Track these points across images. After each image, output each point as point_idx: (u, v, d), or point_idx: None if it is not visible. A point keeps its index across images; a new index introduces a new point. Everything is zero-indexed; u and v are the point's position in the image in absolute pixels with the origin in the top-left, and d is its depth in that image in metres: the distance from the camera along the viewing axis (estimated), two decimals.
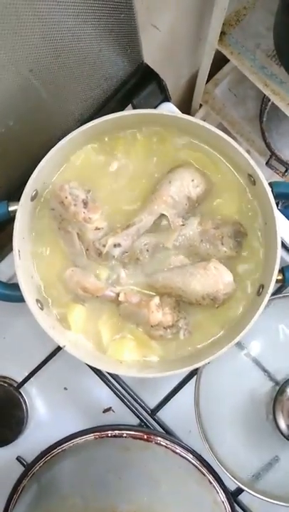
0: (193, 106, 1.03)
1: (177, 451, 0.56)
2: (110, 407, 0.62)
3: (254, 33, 0.80)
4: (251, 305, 0.53)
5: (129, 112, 0.52)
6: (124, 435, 0.56)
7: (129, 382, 0.60)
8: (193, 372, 0.56)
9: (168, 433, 0.59)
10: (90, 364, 0.51)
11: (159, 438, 0.56)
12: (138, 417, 0.60)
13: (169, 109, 0.62)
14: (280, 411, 0.54)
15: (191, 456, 0.56)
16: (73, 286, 0.53)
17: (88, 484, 0.51)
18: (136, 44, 0.55)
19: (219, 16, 0.72)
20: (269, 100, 0.93)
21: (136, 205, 0.54)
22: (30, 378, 0.61)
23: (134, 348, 0.54)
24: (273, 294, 0.55)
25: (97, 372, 0.58)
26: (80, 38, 0.46)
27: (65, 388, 0.63)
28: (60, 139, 0.50)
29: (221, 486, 0.55)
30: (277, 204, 0.51)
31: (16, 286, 0.51)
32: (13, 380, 0.63)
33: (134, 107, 0.60)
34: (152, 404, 0.60)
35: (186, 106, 1.03)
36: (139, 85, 0.60)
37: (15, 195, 0.51)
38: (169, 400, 0.59)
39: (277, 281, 0.51)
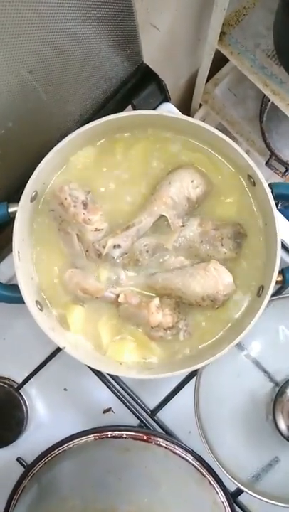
0: (193, 106, 1.03)
1: (177, 451, 0.56)
2: (110, 408, 0.62)
3: (254, 33, 0.80)
4: (251, 306, 0.53)
5: (128, 112, 0.52)
6: (124, 436, 0.56)
7: (129, 383, 0.60)
8: (193, 373, 0.56)
9: (168, 434, 0.59)
10: (90, 365, 0.51)
11: (158, 439, 0.56)
12: (138, 417, 0.60)
13: (168, 109, 0.62)
14: (280, 412, 0.54)
15: (191, 456, 0.56)
16: (73, 288, 0.53)
17: (88, 485, 0.51)
18: (135, 44, 0.55)
19: (219, 16, 0.72)
20: (269, 100, 0.93)
21: (136, 206, 0.54)
22: (30, 379, 0.61)
23: (134, 349, 0.54)
24: (273, 294, 0.55)
25: (97, 373, 0.58)
26: (79, 39, 0.46)
27: (65, 389, 0.63)
28: (59, 140, 0.50)
29: (220, 487, 0.55)
30: (277, 204, 0.51)
31: (15, 288, 0.51)
32: (13, 380, 0.63)
33: (134, 108, 0.60)
34: (152, 404, 0.60)
35: (185, 106, 1.03)
36: (138, 86, 0.60)
37: (14, 197, 0.51)
38: (169, 400, 0.59)
39: (277, 282, 0.51)
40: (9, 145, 0.50)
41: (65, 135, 0.50)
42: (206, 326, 0.54)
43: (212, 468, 0.56)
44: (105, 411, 0.62)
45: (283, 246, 0.60)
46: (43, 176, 0.52)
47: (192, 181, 0.52)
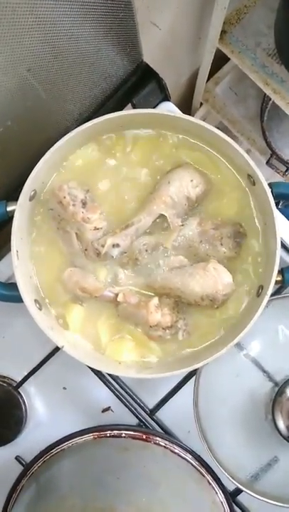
0: (193, 104, 1.02)
1: (176, 451, 0.56)
2: (109, 407, 0.62)
3: (255, 31, 0.80)
4: (250, 306, 0.53)
5: (128, 111, 0.52)
6: (123, 435, 0.56)
7: (128, 382, 0.60)
8: (193, 373, 0.56)
9: (167, 433, 0.59)
10: (89, 364, 0.51)
11: (157, 438, 0.56)
12: (137, 417, 0.60)
13: (168, 108, 0.62)
14: (279, 412, 0.54)
15: (190, 456, 0.56)
16: (72, 287, 0.53)
17: (87, 484, 0.51)
18: (135, 43, 0.55)
19: (220, 14, 0.71)
20: (270, 99, 0.93)
21: (135, 205, 0.54)
22: (29, 378, 0.61)
23: (133, 349, 0.54)
24: (273, 294, 0.55)
25: (96, 372, 0.58)
26: (78, 37, 0.46)
27: (64, 388, 0.63)
28: (58, 139, 0.50)
29: (219, 487, 0.55)
30: (277, 204, 0.51)
31: (14, 286, 0.51)
32: (12, 379, 0.63)
33: (134, 107, 0.59)
34: (151, 404, 0.60)
35: (186, 104, 1.03)
36: (138, 84, 0.59)
37: (13, 195, 0.51)
38: (168, 400, 0.59)
39: (277, 282, 0.51)
40: (8, 143, 0.49)
41: (64, 134, 0.50)
42: (205, 325, 0.54)
43: (211, 468, 0.56)
44: (104, 410, 0.62)
45: (283, 245, 0.60)
46: (41, 175, 0.52)
47: (192, 180, 0.52)
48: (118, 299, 0.52)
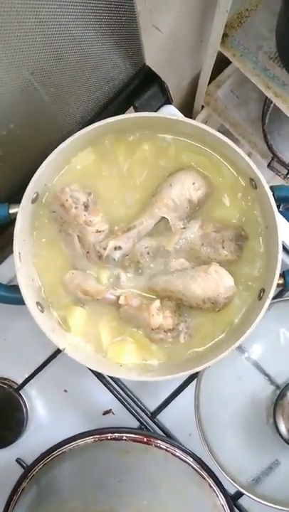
0: (195, 108, 1.03)
1: (177, 454, 0.56)
2: (110, 410, 0.62)
3: (256, 35, 0.80)
4: (252, 309, 0.53)
5: (130, 115, 0.52)
6: (124, 438, 0.56)
7: (130, 385, 0.60)
8: (194, 376, 0.56)
9: (168, 436, 0.59)
10: (90, 367, 0.51)
11: (159, 441, 0.56)
12: (138, 419, 0.60)
13: (170, 111, 0.62)
14: (281, 415, 0.54)
15: (191, 459, 0.56)
16: (73, 289, 0.53)
17: (88, 487, 0.51)
18: (138, 46, 0.55)
19: (221, 18, 0.72)
20: (271, 102, 0.93)
21: (137, 208, 0.54)
22: (30, 380, 0.61)
23: (135, 351, 0.54)
24: (274, 297, 0.55)
25: (98, 374, 0.58)
26: (81, 41, 0.46)
27: (65, 390, 0.63)
28: (61, 142, 0.50)
29: (220, 490, 0.55)
30: (278, 207, 0.51)
31: (16, 289, 0.51)
32: (13, 381, 0.63)
33: (136, 110, 0.60)
34: (152, 406, 0.60)
35: (188, 108, 1.03)
36: (140, 88, 0.60)
37: (16, 198, 0.51)
38: (170, 402, 0.59)
39: (278, 285, 0.51)
40: (11, 146, 0.50)
41: (67, 137, 0.50)
42: (206, 328, 0.54)
43: (212, 471, 0.55)
44: (105, 413, 0.62)
45: (284, 249, 0.60)
46: (44, 178, 0.52)
47: (193, 183, 0.52)
48: (120, 302, 0.52)
